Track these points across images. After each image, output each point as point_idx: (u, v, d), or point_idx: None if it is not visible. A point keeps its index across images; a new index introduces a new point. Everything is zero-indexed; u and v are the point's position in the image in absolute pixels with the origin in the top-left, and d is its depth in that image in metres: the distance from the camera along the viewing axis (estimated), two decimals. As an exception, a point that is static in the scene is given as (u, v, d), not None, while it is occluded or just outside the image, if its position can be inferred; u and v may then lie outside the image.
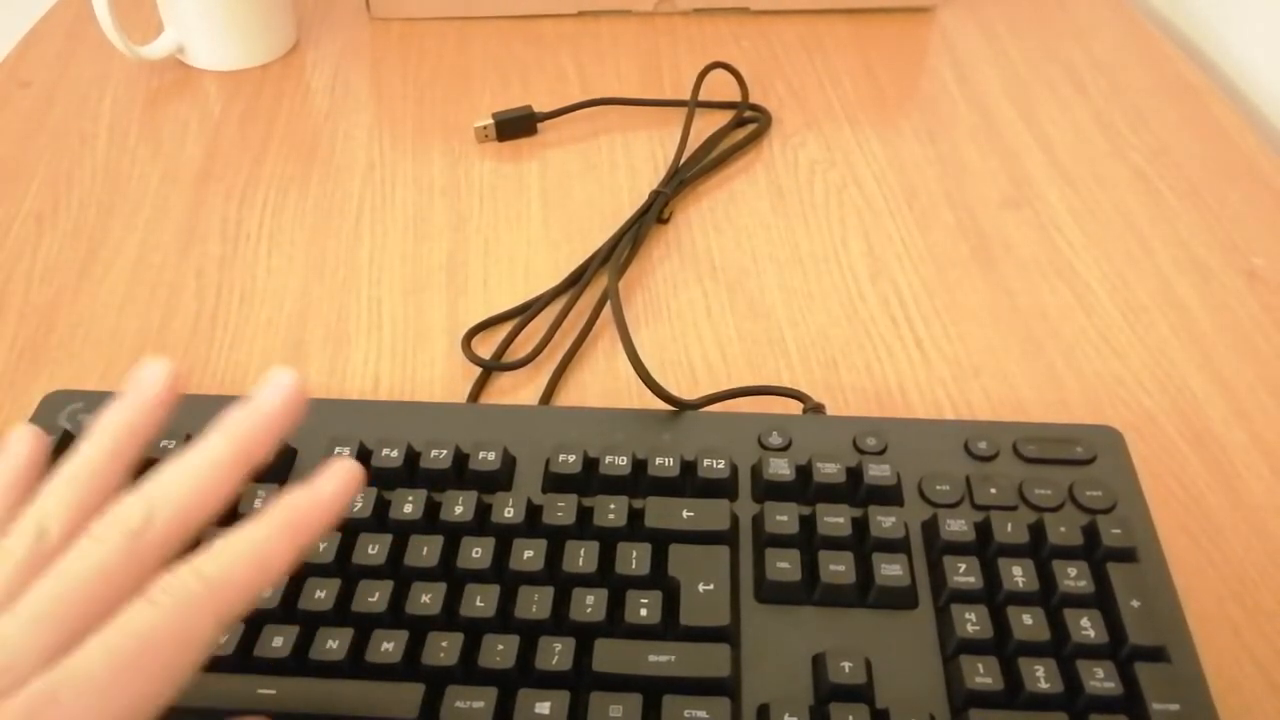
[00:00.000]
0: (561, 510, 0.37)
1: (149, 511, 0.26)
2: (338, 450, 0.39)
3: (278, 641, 0.34)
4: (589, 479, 0.39)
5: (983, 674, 0.33)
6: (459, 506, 0.37)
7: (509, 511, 0.37)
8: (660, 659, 0.34)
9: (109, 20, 0.61)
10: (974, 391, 0.46)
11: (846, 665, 0.33)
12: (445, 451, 0.39)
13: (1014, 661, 0.33)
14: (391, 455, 0.39)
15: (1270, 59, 0.65)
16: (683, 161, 0.58)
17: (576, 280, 0.51)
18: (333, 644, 0.34)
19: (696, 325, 0.50)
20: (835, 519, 0.37)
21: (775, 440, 0.40)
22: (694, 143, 0.59)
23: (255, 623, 0.35)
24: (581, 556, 0.36)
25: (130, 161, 0.60)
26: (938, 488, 0.39)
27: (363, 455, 0.39)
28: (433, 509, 0.38)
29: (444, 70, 0.67)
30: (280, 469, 0.40)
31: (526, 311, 0.49)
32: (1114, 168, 0.58)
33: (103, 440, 0.28)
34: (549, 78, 0.66)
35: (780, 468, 0.39)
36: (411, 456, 0.39)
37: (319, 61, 0.68)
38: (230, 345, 0.49)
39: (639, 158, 0.59)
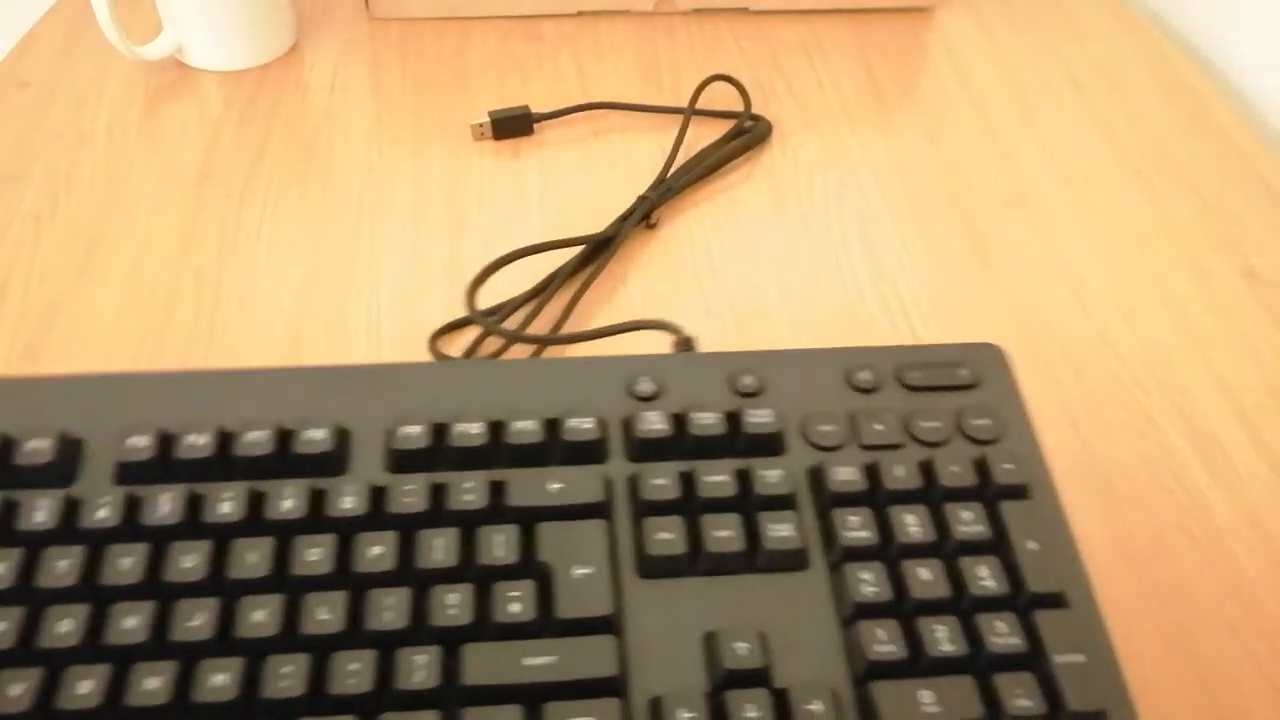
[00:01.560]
0: (410, 494, 0.33)
1: None
2: (130, 441, 0.33)
3: (85, 687, 0.28)
4: (439, 453, 0.34)
5: (883, 640, 0.31)
6: (287, 500, 0.32)
7: (348, 501, 0.32)
8: (538, 661, 0.30)
9: (108, 20, 0.61)
10: (973, 391, 0.46)
11: (740, 647, 0.31)
12: (265, 433, 0.33)
13: (914, 622, 0.32)
14: (199, 443, 0.33)
15: (1268, 59, 0.65)
16: (675, 169, 0.57)
17: (543, 290, 0.50)
18: (152, 683, 0.28)
19: (695, 326, 0.50)
20: (717, 477, 0.34)
21: (645, 387, 0.37)
22: (692, 150, 0.59)
23: (55, 665, 0.29)
24: (438, 548, 0.32)
25: (129, 161, 0.60)
26: (821, 429, 0.36)
27: (163, 444, 0.33)
28: (256, 505, 0.32)
29: (443, 70, 0.67)
30: (65, 466, 0.33)
31: (497, 314, 0.49)
32: (1112, 167, 0.58)
33: None
34: (548, 78, 0.66)
35: (653, 422, 0.35)
36: (224, 441, 0.33)
37: (318, 61, 0.68)
38: (229, 345, 0.49)
39: (638, 161, 0.59)
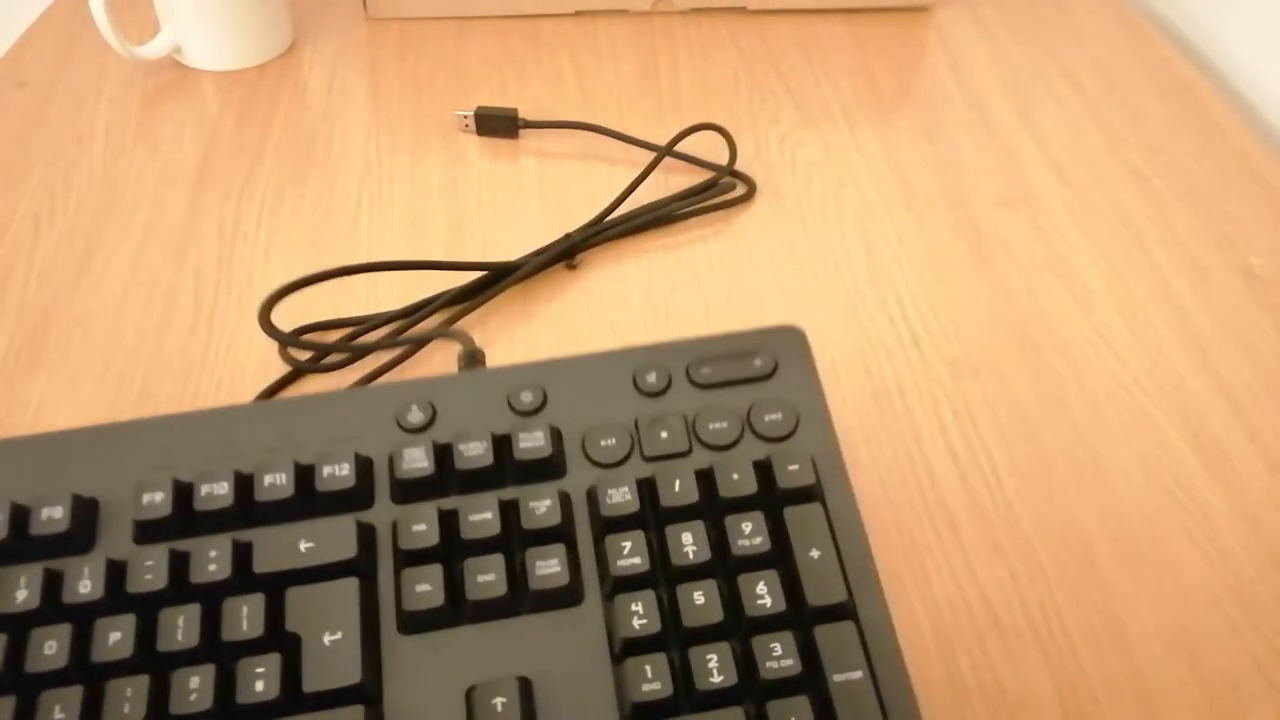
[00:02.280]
0: (150, 569, 0.30)
1: None
2: None
3: None
4: (187, 517, 0.32)
5: (650, 678, 0.29)
6: (21, 590, 0.29)
7: (85, 584, 0.30)
8: None
9: (105, 20, 0.61)
10: (972, 391, 0.46)
11: (499, 701, 0.29)
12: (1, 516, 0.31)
13: (687, 653, 0.30)
14: None
15: (1267, 58, 0.65)
16: (621, 213, 0.54)
17: (414, 312, 0.49)
18: None
19: (695, 327, 0.50)
20: (480, 515, 0.32)
21: (415, 417, 0.34)
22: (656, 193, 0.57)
23: None
24: (179, 627, 0.29)
25: (127, 162, 0.60)
26: (602, 444, 0.33)
27: None
28: None
29: (441, 70, 0.67)
30: None
31: (362, 323, 0.48)
32: (1111, 167, 0.58)
33: None
34: (546, 77, 0.66)
35: (415, 459, 0.32)
36: None
37: (316, 61, 0.68)
38: (228, 346, 0.49)
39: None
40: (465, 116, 0.61)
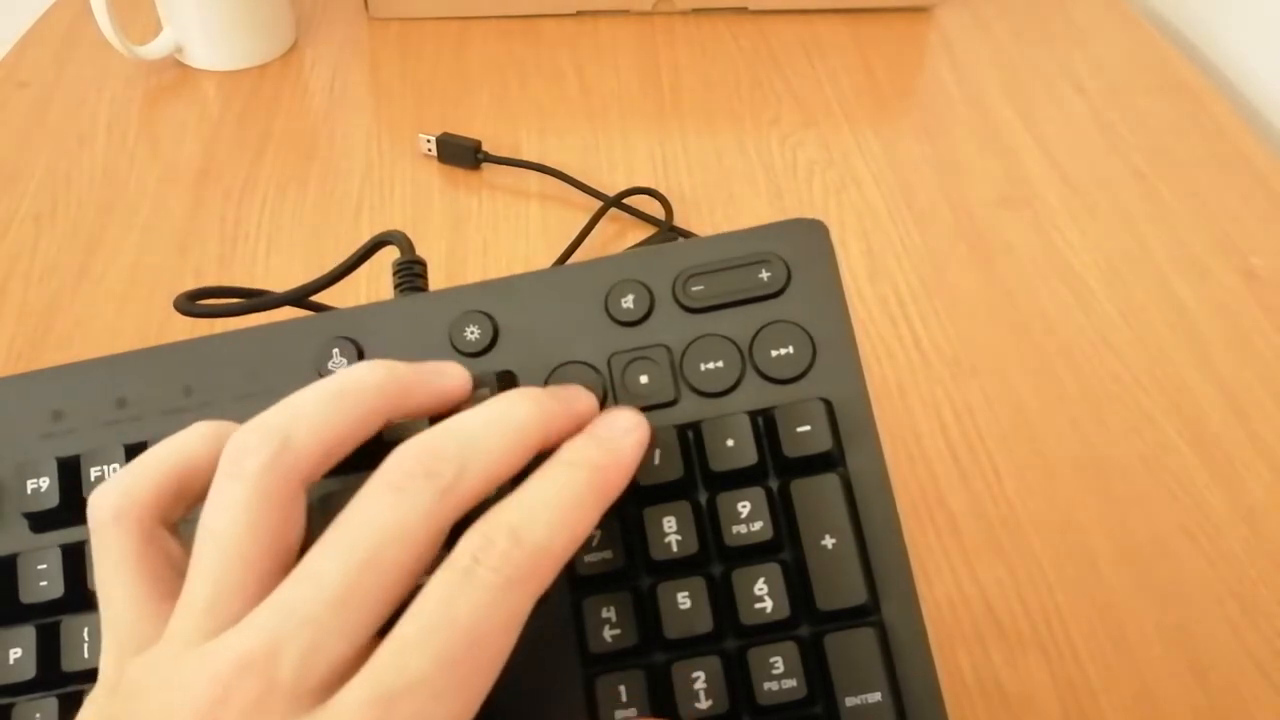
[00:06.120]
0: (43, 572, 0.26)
1: (462, 461, 0.22)
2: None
3: None
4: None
5: (625, 702, 0.25)
6: None
7: None
8: None
9: (107, 20, 0.61)
10: (972, 391, 0.46)
11: None
12: None
13: (669, 671, 0.25)
14: None
15: (1268, 59, 0.65)
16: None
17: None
18: None
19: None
20: None
21: (338, 364, 0.29)
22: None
23: None
24: (86, 642, 0.26)
25: (129, 162, 0.60)
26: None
27: None
28: None
29: (442, 70, 0.67)
30: None
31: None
32: (1112, 167, 0.58)
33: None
34: (547, 78, 0.66)
35: None
36: None
37: (317, 61, 0.68)
38: (229, 346, 0.49)
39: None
40: (428, 141, 0.59)
